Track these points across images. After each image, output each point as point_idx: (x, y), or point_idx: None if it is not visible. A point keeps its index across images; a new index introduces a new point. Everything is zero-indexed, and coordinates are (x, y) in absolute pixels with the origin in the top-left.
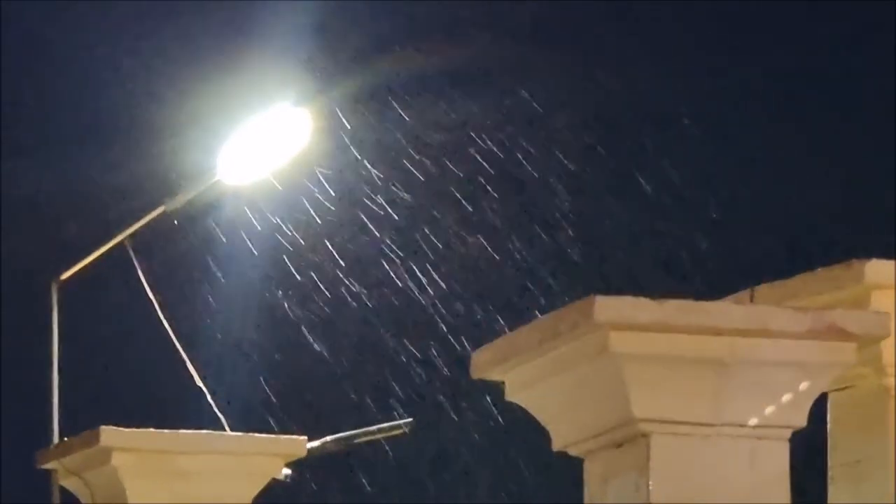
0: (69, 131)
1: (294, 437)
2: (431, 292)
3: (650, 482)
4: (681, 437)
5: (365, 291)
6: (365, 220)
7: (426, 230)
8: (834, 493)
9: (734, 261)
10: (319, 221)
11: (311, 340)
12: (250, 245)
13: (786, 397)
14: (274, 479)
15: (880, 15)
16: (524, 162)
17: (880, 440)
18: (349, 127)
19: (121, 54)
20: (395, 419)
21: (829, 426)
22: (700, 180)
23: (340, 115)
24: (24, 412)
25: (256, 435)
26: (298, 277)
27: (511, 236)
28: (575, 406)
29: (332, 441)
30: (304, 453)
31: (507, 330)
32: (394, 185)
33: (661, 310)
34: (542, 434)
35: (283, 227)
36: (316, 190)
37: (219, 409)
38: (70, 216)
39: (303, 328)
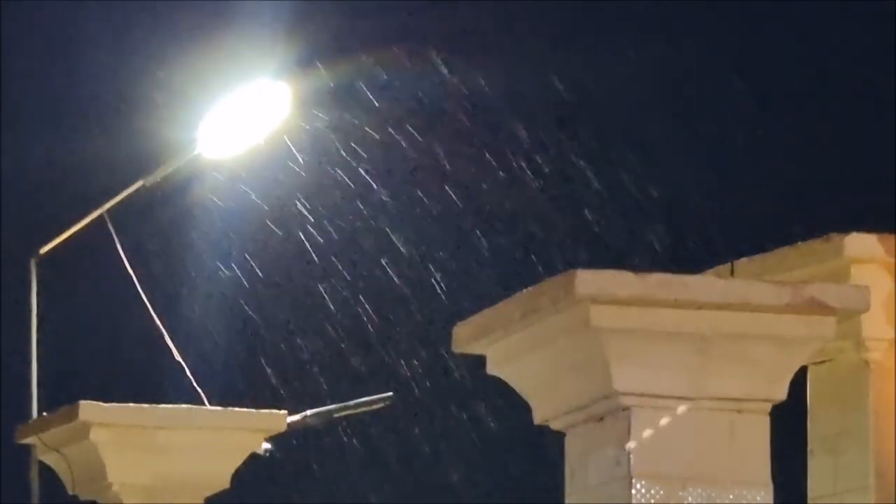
0: (47, 106)
1: (274, 411)
2: (413, 265)
3: (631, 456)
4: (661, 410)
5: (346, 264)
6: (345, 192)
7: (407, 203)
8: (813, 465)
9: (714, 235)
10: (300, 194)
11: (292, 314)
12: (230, 219)
13: (765, 371)
14: (254, 454)
15: None
16: (507, 138)
17: (859, 414)
18: (330, 99)
19: (100, 29)
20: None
21: (808, 400)
22: (679, 155)
23: (320, 87)
24: (2, 387)
25: (236, 410)
26: (278, 251)
27: (492, 212)
28: (556, 380)
29: (312, 415)
30: (284, 428)
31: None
32: (375, 157)
33: (642, 284)
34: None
35: (264, 201)
36: (296, 163)
37: (198, 383)
38: (49, 191)
39: (283, 302)
